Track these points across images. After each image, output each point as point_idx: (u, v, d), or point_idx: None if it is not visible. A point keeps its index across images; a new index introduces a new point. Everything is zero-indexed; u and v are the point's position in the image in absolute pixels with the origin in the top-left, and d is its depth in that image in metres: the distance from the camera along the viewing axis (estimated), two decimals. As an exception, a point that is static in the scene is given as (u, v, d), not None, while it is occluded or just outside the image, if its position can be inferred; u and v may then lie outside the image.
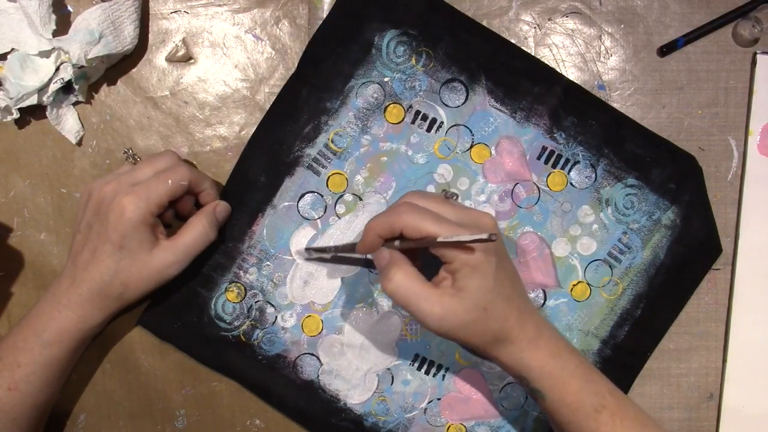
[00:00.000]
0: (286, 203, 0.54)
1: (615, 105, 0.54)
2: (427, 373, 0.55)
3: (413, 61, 0.53)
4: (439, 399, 0.55)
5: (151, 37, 0.54)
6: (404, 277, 0.43)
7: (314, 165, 0.54)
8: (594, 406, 0.45)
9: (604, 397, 0.46)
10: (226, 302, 0.54)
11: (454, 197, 0.47)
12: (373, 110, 0.54)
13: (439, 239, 0.41)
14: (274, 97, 0.54)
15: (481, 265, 0.43)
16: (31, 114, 0.53)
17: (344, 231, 0.54)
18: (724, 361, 0.56)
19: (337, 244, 0.54)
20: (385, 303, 0.54)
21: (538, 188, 0.54)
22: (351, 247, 0.50)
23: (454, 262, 0.43)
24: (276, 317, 0.54)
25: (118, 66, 0.54)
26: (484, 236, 0.40)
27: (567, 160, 0.54)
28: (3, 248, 0.54)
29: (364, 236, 0.45)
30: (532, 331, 0.46)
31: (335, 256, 0.53)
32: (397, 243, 0.44)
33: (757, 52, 0.54)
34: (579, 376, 0.46)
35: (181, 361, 0.55)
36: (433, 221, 0.42)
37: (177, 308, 0.54)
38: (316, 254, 0.54)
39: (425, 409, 0.55)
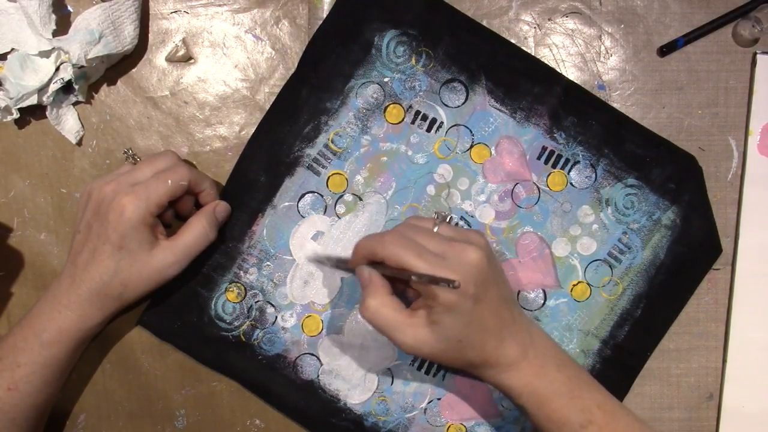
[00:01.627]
0: (286, 203, 0.54)
1: (615, 105, 0.54)
2: (427, 373, 0.55)
3: (413, 61, 0.53)
4: (439, 399, 0.55)
5: (151, 37, 0.54)
6: (379, 306, 0.45)
7: (314, 165, 0.54)
8: (580, 422, 0.45)
9: (592, 412, 0.46)
10: (226, 302, 0.54)
11: (448, 219, 0.48)
12: (373, 110, 0.54)
13: (413, 277, 0.42)
14: (274, 97, 0.54)
15: (456, 304, 0.43)
16: (31, 114, 0.53)
17: (344, 231, 0.54)
18: (724, 361, 0.56)
19: (336, 252, 0.54)
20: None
21: (538, 188, 0.54)
22: (345, 262, 0.51)
23: (429, 298, 0.44)
24: (276, 317, 0.54)
25: (118, 66, 0.54)
26: (449, 283, 0.41)
27: (567, 160, 0.54)
28: (3, 248, 0.54)
29: (352, 255, 0.47)
30: (515, 354, 0.46)
31: (336, 266, 0.54)
32: (381, 268, 0.45)
33: (757, 52, 0.54)
34: (564, 393, 0.46)
35: (181, 361, 0.55)
36: (413, 255, 0.43)
37: (177, 308, 0.54)
38: (320, 261, 0.54)
39: (425, 409, 0.55)
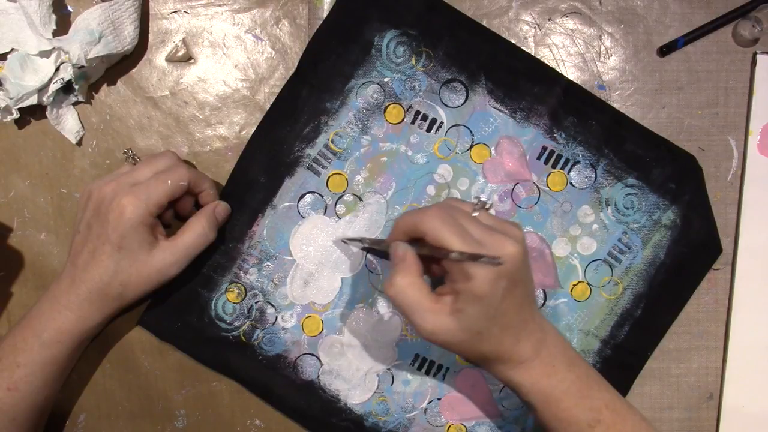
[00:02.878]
0: (286, 204, 0.54)
1: (615, 105, 0.54)
2: (427, 373, 0.55)
3: (413, 61, 0.53)
4: (439, 399, 0.55)
5: (151, 37, 0.54)
6: (406, 285, 0.43)
7: (314, 165, 0.54)
8: (588, 422, 0.45)
9: (600, 412, 0.46)
10: (226, 302, 0.54)
11: (488, 205, 0.46)
12: (373, 110, 0.54)
13: (452, 256, 0.41)
14: (274, 97, 0.54)
15: (486, 295, 0.42)
16: (31, 114, 0.53)
17: (344, 232, 0.54)
18: (724, 361, 0.56)
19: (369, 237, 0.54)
20: (385, 303, 0.54)
21: (538, 188, 0.54)
22: (380, 242, 0.50)
23: (459, 283, 0.42)
24: (276, 317, 0.54)
25: (118, 66, 0.54)
26: (493, 260, 0.39)
27: (567, 160, 0.54)
28: (3, 248, 0.54)
29: (392, 230, 0.46)
30: (528, 352, 0.45)
31: (367, 247, 0.53)
32: (417, 247, 0.44)
33: (757, 52, 0.54)
34: (573, 393, 0.46)
35: (181, 361, 0.55)
36: (454, 234, 0.42)
37: (177, 308, 0.54)
38: (351, 243, 0.53)
39: (425, 409, 0.55)
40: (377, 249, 0.52)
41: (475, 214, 0.45)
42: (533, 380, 0.46)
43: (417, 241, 0.45)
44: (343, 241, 0.54)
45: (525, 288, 0.45)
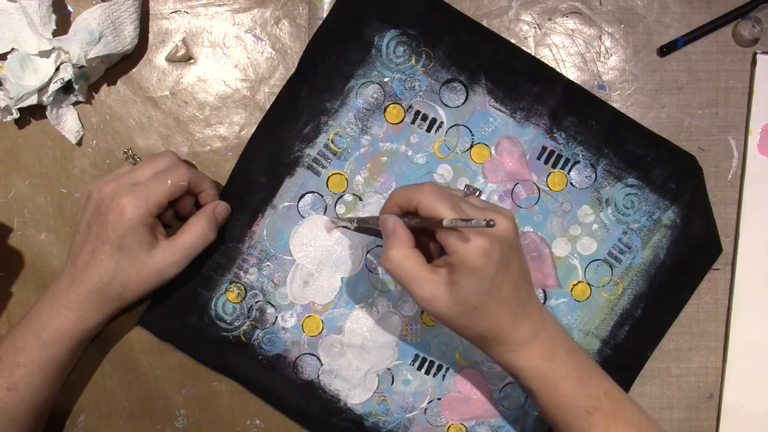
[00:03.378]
0: (286, 203, 0.54)
1: (615, 105, 0.54)
2: (427, 373, 0.55)
3: (413, 61, 0.53)
4: (439, 399, 0.55)
5: (151, 37, 0.54)
6: (401, 257, 0.44)
7: (314, 165, 0.54)
8: (586, 408, 0.45)
9: (599, 398, 0.46)
10: (226, 302, 0.54)
11: (477, 193, 0.47)
12: (373, 110, 0.54)
13: (444, 222, 0.41)
14: (274, 97, 0.54)
15: (480, 267, 0.42)
16: (31, 114, 0.53)
17: (345, 231, 0.54)
18: (724, 361, 0.56)
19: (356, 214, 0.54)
20: (385, 303, 0.54)
21: (538, 188, 0.54)
22: (372, 219, 0.50)
23: (454, 255, 0.42)
24: (276, 317, 0.54)
25: (118, 66, 0.54)
26: (482, 224, 0.39)
27: (567, 160, 0.54)
28: (3, 248, 0.54)
29: (386, 202, 0.46)
30: (526, 334, 0.45)
31: (358, 226, 0.53)
32: (406, 220, 0.45)
33: (757, 52, 0.54)
34: (573, 378, 0.46)
35: (181, 361, 0.55)
36: (448, 207, 0.42)
37: (177, 308, 0.54)
38: (342, 223, 0.53)
39: (425, 409, 0.55)
40: (368, 227, 0.52)
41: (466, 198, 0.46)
42: (533, 363, 0.45)
43: (408, 214, 0.45)
44: (333, 222, 0.54)
45: (519, 265, 0.45)
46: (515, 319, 0.45)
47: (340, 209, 0.54)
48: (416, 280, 0.43)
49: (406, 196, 0.44)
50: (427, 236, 0.46)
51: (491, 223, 0.38)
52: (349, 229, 0.54)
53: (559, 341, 0.46)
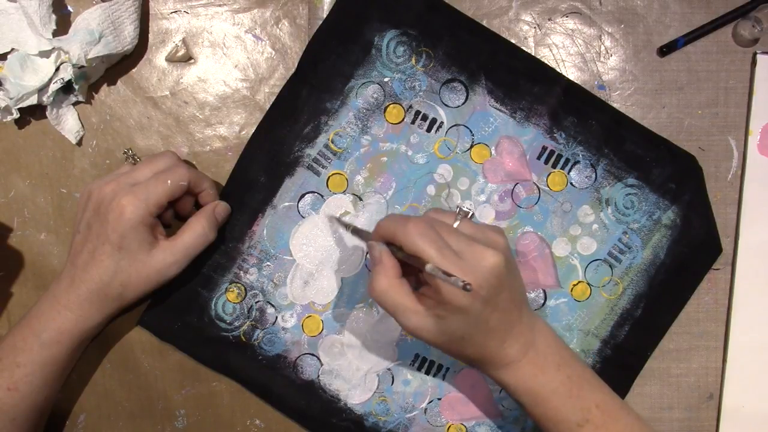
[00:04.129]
0: (286, 203, 0.54)
1: (615, 105, 0.54)
2: (427, 373, 0.55)
3: (413, 61, 0.53)
4: (439, 399, 0.55)
5: (151, 37, 0.54)
6: (386, 287, 0.44)
7: (314, 165, 0.54)
8: (577, 421, 0.45)
9: (590, 411, 0.46)
10: (226, 302, 0.54)
11: (470, 215, 0.46)
12: (373, 110, 0.54)
13: (426, 268, 0.41)
14: (274, 97, 0.54)
15: (466, 306, 0.42)
16: (31, 114, 0.53)
17: (345, 231, 0.54)
18: (724, 361, 0.56)
19: (359, 226, 0.54)
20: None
21: (538, 188, 0.54)
22: (366, 235, 0.50)
23: (441, 292, 0.43)
24: (276, 317, 0.54)
25: (118, 66, 0.54)
26: (463, 285, 0.39)
27: (567, 160, 0.54)
28: (3, 248, 0.54)
29: (373, 232, 0.46)
30: (514, 354, 0.45)
31: (353, 232, 0.53)
32: (395, 249, 0.45)
33: (757, 52, 0.54)
34: (563, 393, 0.46)
35: (181, 361, 0.55)
36: (433, 248, 0.42)
37: (177, 309, 0.54)
38: (339, 225, 0.53)
39: (425, 409, 0.55)
40: (362, 238, 0.52)
41: (456, 224, 0.45)
42: (520, 381, 0.46)
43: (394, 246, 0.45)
44: (335, 219, 0.54)
45: (510, 293, 0.45)
46: (503, 343, 0.45)
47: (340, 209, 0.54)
48: (402, 311, 0.44)
49: (391, 231, 0.44)
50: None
51: (468, 287, 0.39)
52: (346, 231, 0.54)
53: (549, 356, 0.46)
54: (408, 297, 0.44)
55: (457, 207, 0.48)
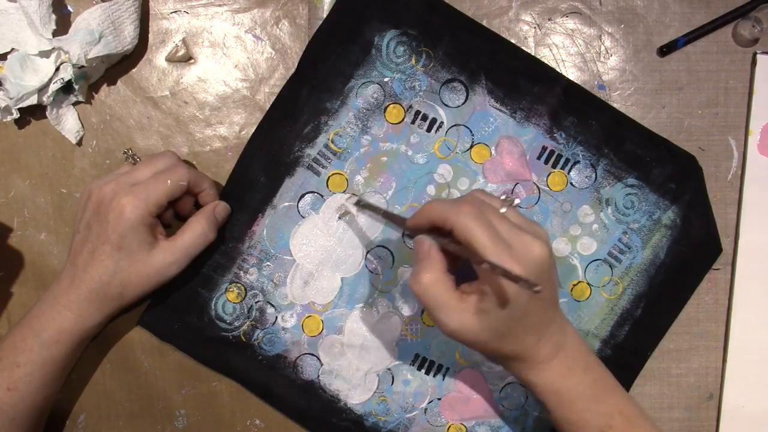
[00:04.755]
0: (286, 203, 0.54)
1: (615, 105, 0.54)
2: (427, 373, 0.55)
3: (413, 61, 0.53)
4: (439, 399, 0.55)
5: (151, 37, 0.54)
6: (432, 282, 0.42)
7: (314, 165, 0.54)
8: (599, 427, 0.45)
9: (613, 417, 0.45)
10: (226, 302, 0.54)
11: (515, 203, 0.45)
12: (373, 110, 0.54)
13: (484, 265, 0.39)
14: (274, 97, 0.54)
15: (513, 298, 0.41)
16: (31, 114, 0.53)
17: (344, 231, 0.54)
18: (724, 361, 0.56)
19: (387, 209, 0.52)
20: (385, 303, 0.54)
21: (538, 188, 0.54)
22: (400, 220, 0.49)
23: (487, 283, 0.42)
24: (276, 317, 0.54)
25: (118, 66, 0.54)
26: (528, 286, 0.37)
27: (567, 160, 0.54)
28: (3, 248, 0.54)
29: (417, 214, 0.44)
30: (547, 353, 0.45)
31: (383, 217, 0.51)
32: (443, 241, 0.43)
33: (757, 52, 0.54)
34: (588, 397, 0.45)
35: (181, 361, 0.55)
36: (486, 235, 0.40)
37: (177, 309, 0.54)
38: (366, 209, 0.53)
39: (425, 409, 0.55)
40: (389, 221, 0.51)
41: (503, 210, 0.44)
42: (549, 381, 0.45)
43: (438, 231, 0.43)
44: (359, 204, 0.52)
45: (550, 289, 0.44)
46: (539, 341, 0.45)
47: (341, 209, 0.54)
48: (444, 308, 0.42)
49: (442, 215, 0.42)
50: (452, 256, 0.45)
51: (537, 289, 0.37)
52: (375, 216, 0.52)
53: (578, 359, 0.46)
54: (451, 293, 0.43)
55: (504, 194, 0.46)
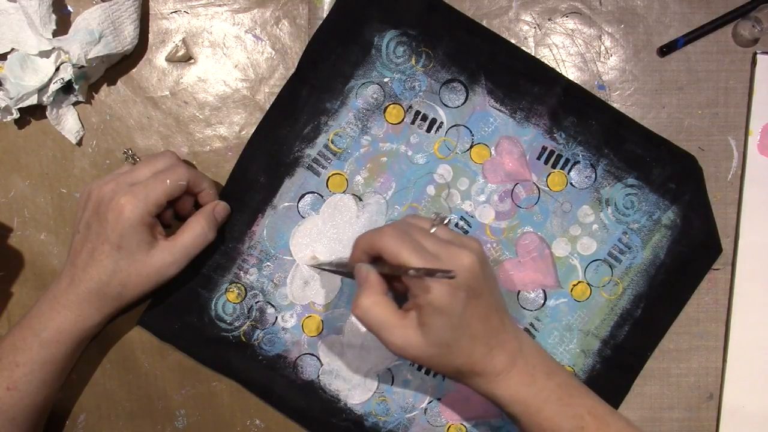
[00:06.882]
0: (286, 204, 0.54)
1: (615, 105, 0.54)
2: (427, 373, 0.55)
3: (413, 61, 0.53)
4: (439, 399, 0.55)
5: (151, 37, 0.54)
6: (371, 304, 0.44)
7: (314, 165, 0.54)
8: (571, 429, 0.45)
9: (583, 418, 0.45)
10: (226, 303, 0.54)
11: (446, 221, 0.47)
12: (373, 111, 0.54)
13: (410, 271, 0.41)
14: (274, 97, 0.54)
15: (445, 306, 0.42)
16: (31, 114, 0.53)
17: (344, 231, 0.54)
18: (724, 361, 0.56)
19: (336, 257, 0.54)
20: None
21: (538, 188, 0.54)
22: (347, 263, 0.50)
23: (419, 298, 0.43)
24: (276, 317, 0.54)
25: (118, 66, 0.54)
26: (446, 274, 0.40)
27: (567, 160, 0.54)
28: (3, 248, 0.54)
29: (352, 249, 0.46)
30: (503, 363, 0.45)
31: (335, 270, 0.53)
32: (380, 267, 0.45)
33: (757, 52, 0.54)
34: (554, 401, 0.45)
35: (181, 361, 0.55)
36: (409, 250, 0.42)
37: (177, 309, 0.54)
38: (317, 267, 0.54)
39: (425, 409, 0.55)
40: (344, 272, 0.52)
41: (434, 230, 0.46)
42: (512, 391, 0.45)
43: (378, 260, 0.45)
44: (314, 267, 0.54)
45: (489, 298, 0.45)
46: (490, 351, 0.45)
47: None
48: (386, 327, 0.44)
49: (369, 242, 0.44)
50: (397, 278, 0.46)
51: (451, 275, 0.39)
52: (326, 271, 0.54)
53: (538, 365, 0.46)
54: (392, 313, 0.44)
55: (434, 214, 0.48)
